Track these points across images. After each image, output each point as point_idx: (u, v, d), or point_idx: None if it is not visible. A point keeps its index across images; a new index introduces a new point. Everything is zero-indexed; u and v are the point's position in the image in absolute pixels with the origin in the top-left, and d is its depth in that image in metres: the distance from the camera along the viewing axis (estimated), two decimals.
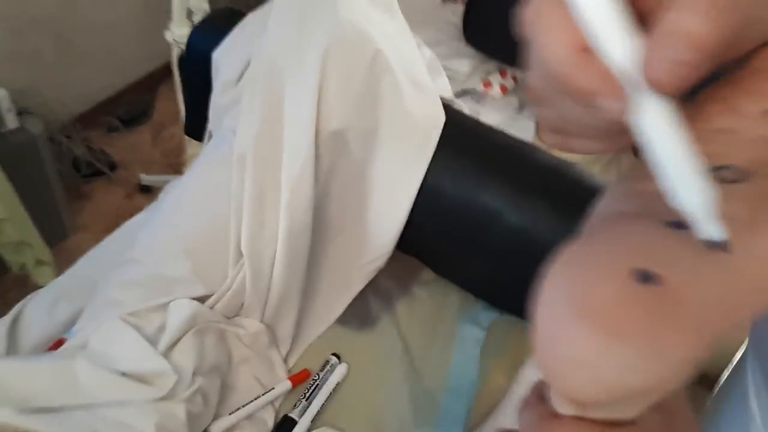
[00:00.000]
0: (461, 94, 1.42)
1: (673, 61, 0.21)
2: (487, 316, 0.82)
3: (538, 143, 1.35)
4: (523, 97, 1.46)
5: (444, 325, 0.81)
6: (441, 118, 0.78)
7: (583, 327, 0.22)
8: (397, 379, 0.75)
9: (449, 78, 1.39)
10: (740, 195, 0.25)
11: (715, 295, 0.23)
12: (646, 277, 0.23)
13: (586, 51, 0.22)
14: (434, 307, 0.83)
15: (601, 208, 0.29)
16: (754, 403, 0.49)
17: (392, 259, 0.82)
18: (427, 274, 0.86)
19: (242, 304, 0.73)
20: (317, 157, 0.71)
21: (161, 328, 0.67)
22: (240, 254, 0.71)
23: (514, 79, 1.46)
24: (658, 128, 0.22)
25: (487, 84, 1.42)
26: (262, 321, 0.74)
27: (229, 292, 0.71)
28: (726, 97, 0.26)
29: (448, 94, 0.85)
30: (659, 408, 0.26)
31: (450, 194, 0.78)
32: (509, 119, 1.39)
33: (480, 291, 0.84)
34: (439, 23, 1.48)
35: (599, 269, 0.23)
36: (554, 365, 0.23)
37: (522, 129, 1.37)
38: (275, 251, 0.72)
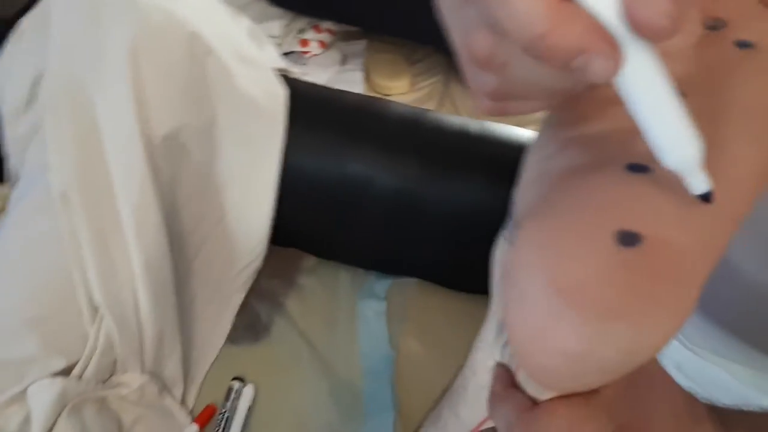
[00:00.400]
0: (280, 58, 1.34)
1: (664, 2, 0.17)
2: (382, 285, 0.78)
3: (365, 92, 1.32)
4: (345, 49, 1.41)
5: (341, 309, 0.77)
6: (282, 92, 0.71)
7: (574, 316, 0.19)
8: (311, 381, 0.70)
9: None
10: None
11: (699, 239, 0.21)
12: (629, 239, 0.21)
13: (565, 1, 0.17)
14: (326, 293, 0.78)
15: (542, 165, 0.26)
16: None
17: (269, 257, 0.75)
18: (310, 261, 0.81)
19: (115, 361, 0.63)
20: (154, 171, 0.62)
21: (26, 421, 0.55)
22: (95, 307, 0.60)
23: (330, 31, 1.40)
24: (646, 82, 0.19)
25: (305, 42, 1.34)
26: (143, 371, 0.65)
27: (96, 353, 0.60)
28: None
29: (280, 63, 0.78)
30: None
31: (314, 172, 0.72)
32: (336, 74, 1.34)
33: (368, 262, 0.80)
34: None
35: (579, 241, 0.20)
36: (545, 361, 0.20)
37: (350, 82, 1.33)
38: (136, 291, 0.62)
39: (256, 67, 0.69)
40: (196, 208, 0.69)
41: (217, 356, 0.72)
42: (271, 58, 0.76)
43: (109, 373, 0.63)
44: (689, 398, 0.30)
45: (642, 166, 0.23)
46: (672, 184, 0.22)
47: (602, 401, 0.25)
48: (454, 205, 0.70)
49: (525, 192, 0.26)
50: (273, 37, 1.31)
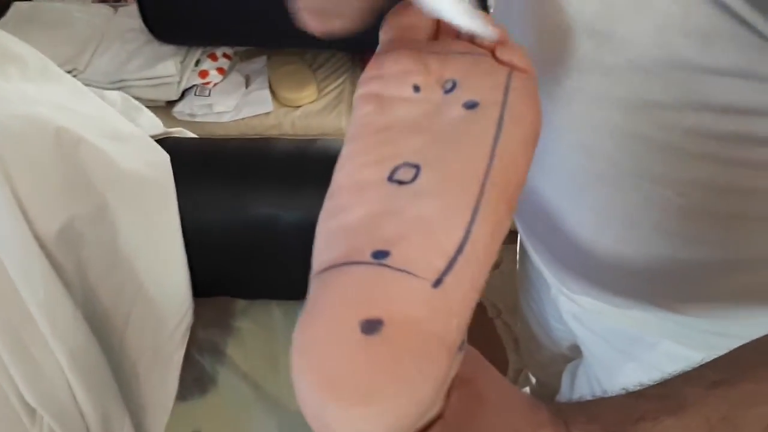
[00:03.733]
0: (184, 95, 1.37)
1: None
2: None
3: (275, 108, 1.35)
4: (247, 69, 1.44)
5: (280, 343, 0.82)
6: (163, 155, 0.75)
7: (336, 408, 0.23)
8: (260, 421, 0.75)
9: (164, 85, 1.34)
10: None
11: (437, 310, 0.26)
12: (371, 327, 0.25)
13: None
14: (263, 332, 0.83)
15: (314, 260, 0.30)
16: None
17: (200, 309, 0.80)
18: (241, 304, 0.86)
19: None
20: (56, 266, 0.66)
21: None
22: (32, 409, 0.65)
23: (226, 56, 1.43)
24: None
25: (204, 73, 1.38)
26: None
27: None
28: None
29: (158, 128, 0.81)
30: (455, 386, 0.29)
31: (219, 222, 0.77)
32: (242, 98, 1.38)
33: (295, 292, 0.85)
34: (120, 35, 1.39)
35: (330, 339, 0.25)
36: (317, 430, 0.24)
37: (258, 103, 1.37)
38: (68, 382, 0.66)
39: (132, 141, 0.73)
40: (111, 285, 0.74)
41: (170, 416, 0.77)
42: (148, 126, 0.79)
43: None
44: (531, 406, 0.33)
45: (383, 252, 0.27)
46: (411, 265, 0.26)
47: None
48: None
49: (311, 276, 0.31)
50: (169, 76, 1.34)
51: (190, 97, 1.37)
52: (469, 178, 0.29)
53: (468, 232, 0.27)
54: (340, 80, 1.42)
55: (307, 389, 0.24)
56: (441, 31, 0.37)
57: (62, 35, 1.34)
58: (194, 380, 0.81)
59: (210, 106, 1.36)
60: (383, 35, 0.37)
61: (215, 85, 1.39)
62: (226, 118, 1.36)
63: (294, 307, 0.85)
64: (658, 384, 0.34)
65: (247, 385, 0.79)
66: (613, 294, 0.53)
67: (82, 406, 0.68)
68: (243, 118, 1.37)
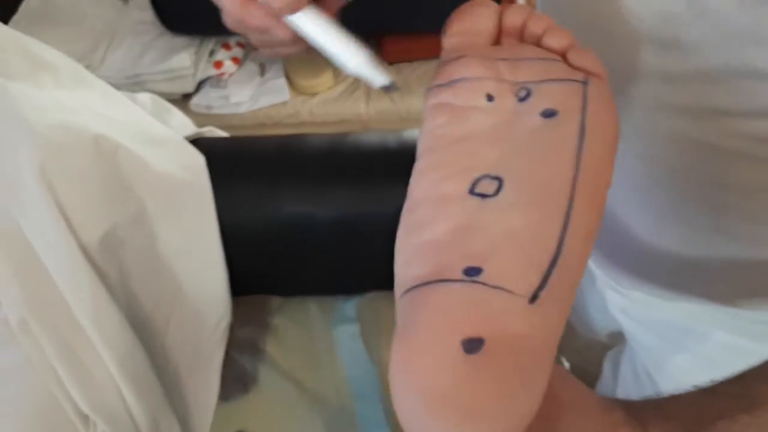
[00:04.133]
0: (200, 87, 1.37)
1: None
2: (351, 306, 0.84)
3: (292, 97, 1.35)
4: (261, 58, 1.43)
5: (318, 339, 0.82)
6: (199, 158, 0.75)
7: (441, 423, 0.24)
8: (305, 419, 0.76)
9: (179, 78, 1.34)
10: None
11: (535, 327, 0.26)
12: (473, 346, 0.25)
13: (249, 2, 0.34)
14: (300, 329, 0.84)
15: (399, 273, 0.30)
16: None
17: (237, 308, 0.81)
18: (277, 301, 0.86)
19: None
20: (100, 274, 0.66)
21: None
22: (85, 416, 0.66)
23: (240, 45, 1.42)
24: (311, 28, 0.35)
25: (218, 64, 1.37)
26: None
27: None
28: None
29: (190, 128, 0.81)
30: None
31: (254, 222, 0.78)
32: (258, 87, 1.37)
33: (331, 288, 0.86)
34: (132, 29, 1.38)
35: (432, 359, 0.25)
36: None
37: (275, 92, 1.36)
38: (119, 389, 0.67)
39: (167, 144, 0.73)
40: (152, 288, 0.74)
41: (214, 417, 0.78)
42: (180, 127, 0.79)
43: None
44: (605, 407, 0.33)
45: (476, 268, 0.28)
46: (505, 281, 0.27)
47: None
48: (390, 215, 0.75)
49: (396, 293, 0.31)
50: (184, 68, 1.33)
51: (206, 89, 1.36)
52: (557, 189, 0.29)
53: (560, 244, 0.28)
54: None
55: (413, 408, 0.25)
56: (503, 33, 0.37)
57: (75, 31, 1.33)
58: (235, 379, 0.81)
59: (226, 97, 1.36)
60: (446, 41, 0.37)
61: (231, 75, 1.39)
62: (243, 109, 1.36)
63: (330, 303, 0.85)
64: (729, 381, 0.35)
65: (288, 383, 0.79)
66: (667, 289, 0.53)
67: (132, 411, 0.69)
68: (260, 108, 1.37)
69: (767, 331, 0.50)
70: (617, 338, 0.72)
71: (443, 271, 0.28)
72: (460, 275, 0.27)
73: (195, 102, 1.35)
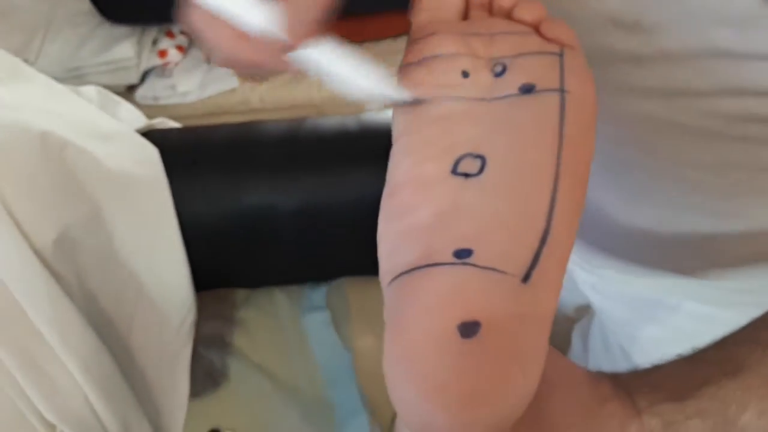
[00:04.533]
0: (145, 77, 1.32)
1: (296, 23, 0.29)
2: (319, 293, 0.83)
3: (240, 84, 1.32)
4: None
5: (288, 330, 0.81)
6: (152, 151, 0.73)
7: (443, 415, 0.23)
8: (281, 410, 0.75)
9: (122, 69, 1.29)
10: None
11: (528, 311, 0.26)
12: (469, 330, 0.24)
13: (243, 37, 0.30)
14: (268, 320, 0.83)
15: (385, 263, 0.29)
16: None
17: (202, 303, 0.79)
18: (242, 294, 0.85)
19: None
20: (57, 278, 0.64)
21: None
22: (51, 425, 0.64)
23: (184, 33, 1.38)
24: (327, 59, 0.31)
25: (162, 53, 1.33)
26: None
27: None
28: None
29: (141, 121, 0.78)
30: None
31: (213, 213, 0.76)
32: (205, 74, 1.33)
33: (296, 277, 0.84)
34: (69, 20, 1.33)
35: (429, 345, 0.25)
36: None
37: (223, 80, 1.33)
38: (85, 395, 0.65)
39: (117, 138, 0.70)
40: (112, 289, 0.72)
41: (187, 415, 0.77)
42: (130, 120, 0.77)
43: None
44: (593, 381, 0.33)
45: (466, 250, 0.27)
46: (497, 262, 0.26)
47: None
48: (354, 200, 0.75)
49: (382, 282, 0.30)
50: (127, 59, 1.28)
51: (151, 80, 1.32)
52: (542, 165, 0.28)
53: (549, 221, 0.27)
54: None
55: (412, 398, 0.24)
56: (471, 6, 0.36)
57: (5, 25, 1.27)
58: (205, 375, 0.80)
59: (173, 87, 1.31)
60: (415, 18, 0.35)
61: (176, 64, 1.34)
62: (191, 98, 1.32)
63: (297, 292, 0.84)
64: (712, 348, 0.35)
65: (260, 375, 0.78)
66: (639, 266, 0.54)
67: (101, 416, 0.67)
68: (209, 97, 1.33)
69: (738, 299, 0.51)
70: (584, 311, 0.73)
71: (432, 254, 0.27)
72: (450, 258, 0.26)
73: (140, 93, 1.30)
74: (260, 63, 0.31)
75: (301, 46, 0.30)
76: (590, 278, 0.61)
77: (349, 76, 0.31)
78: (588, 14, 0.38)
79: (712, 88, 0.37)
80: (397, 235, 0.29)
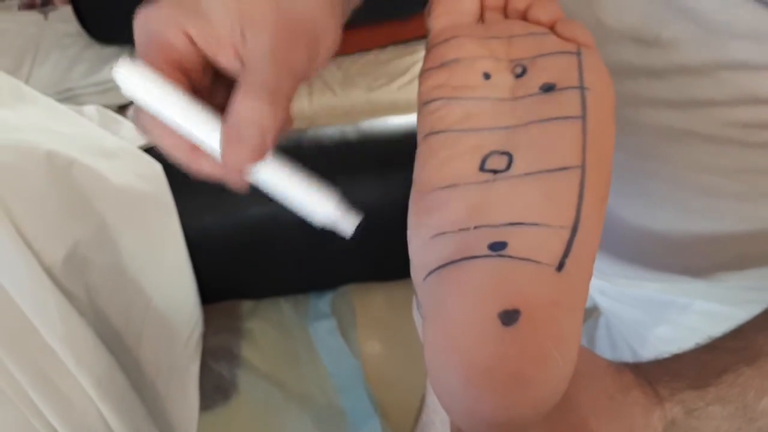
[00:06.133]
0: None
1: (245, 147, 0.30)
2: (325, 301, 0.85)
3: None
4: None
5: (295, 339, 0.83)
6: (156, 166, 0.74)
7: (490, 399, 0.25)
8: (292, 420, 0.76)
9: (112, 89, 1.30)
10: None
11: (565, 298, 0.27)
12: (509, 318, 0.26)
13: (195, 149, 0.31)
14: (275, 329, 0.84)
15: (418, 256, 0.31)
16: None
17: (208, 316, 0.80)
18: (248, 305, 0.86)
19: None
20: (67, 295, 0.65)
21: None
22: None
23: None
24: (271, 180, 0.32)
25: None
26: None
27: None
28: None
29: (142, 137, 0.80)
30: None
31: (219, 226, 0.77)
32: None
33: (301, 286, 0.86)
34: (57, 42, 1.34)
35: (472, 335, 0.26)
36: (466, 422, 0.26)
37: None
38: (99, 411, 0.66)
39: (121, 155, 0.71)
40: (121, 304, 0.73)
41: (198, 428, 0.77)
42: (131, 137, 0.78)
43: None
44: (616, 370, 0.34)
45: (500, 243, 0.28)
46: (531, 253, 0.27)
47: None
48: (356, 209, 0.76)
49: (415, 278, 0.31)
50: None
51: None
52: (568, 158, 0.29)
53: (578, 211, 0.28)
54: None
55: (457, 386, 0.25)
56: (486, 9, 0.37)
57: None
58: (215, 388, 0.81)
59: None
60: (432, 24, 0.37)
61: None
62: None
63: (303, 301, 0.86)
64: (729, 336, 0.36)
65: (270, 386, 0.79)
66: (649, 269, 0.55)
67: (115, 431, 0.67)
68: None
69: (748, 296, 0.52)
70: (590, 312, 0.74)
71: (468, 248, 0.28)
72: (486, 251, 0.28)
73: (132, 113, 1.31)
74: (216, 177, 0.32)
75: (251, 165, 0.30)
76: (599, 283, 0.63)
77: (294, 196, 0.33)
78: (607, 33, 0.40)
79: (729, 99, 0.39)
80: (429, 231, 0.30)
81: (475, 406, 0.25)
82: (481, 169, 0.30)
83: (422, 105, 0.34)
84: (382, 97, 1.35)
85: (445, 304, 0.27)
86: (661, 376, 0.34)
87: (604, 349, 0.72)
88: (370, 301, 0.83)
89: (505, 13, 0.36)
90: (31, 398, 0.63)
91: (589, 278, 0.29)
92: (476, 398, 0.25)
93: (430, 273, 0.29)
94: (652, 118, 0.43)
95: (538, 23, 0.34)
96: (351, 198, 0.75)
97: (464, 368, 0.25)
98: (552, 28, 0.34)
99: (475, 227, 0.29)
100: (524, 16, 0.35)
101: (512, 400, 0.25)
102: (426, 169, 0.32)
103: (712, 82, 0.39)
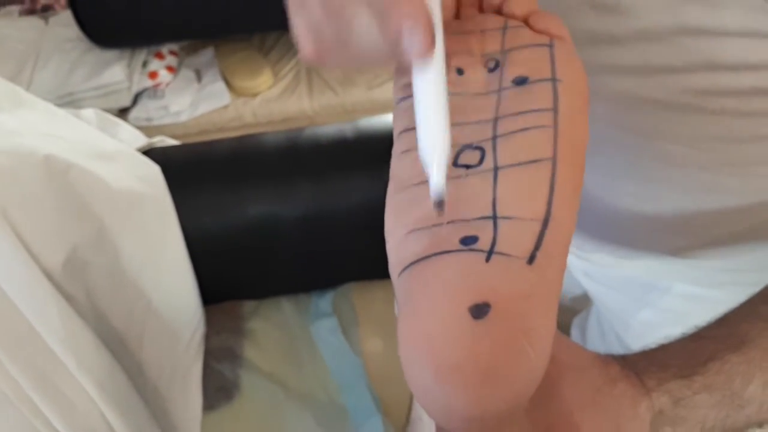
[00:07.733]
0: (137, 100, 1.34)
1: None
2: (326, 300, 0.85)
3: (232, 100, 1.34)
4: (195, 63, 1.42)
5: (297, 338, 0.83)
6: (154, 168, 0.74)
7: (461, 393, 0.25)
8: (295, 418, 0.77)
9: (114, 93, 1.31)
10: None
11: (537, 291, 0.27)
12: (480, 311, 0.26)
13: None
14: (277, 329, 0.84)
15: (394, 254, 0.31)
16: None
17: (210, 317, 0.81)
18: (249, 305, 0.86)
19: None
20: (68, 298, 0.65)
21: None
22: None
23: (173, 53, 1.40)
24: (426, 87, 0.28)
25: (153, 74, 1.35)
26: None
27: None
28: None
29: (141, 139, 0.80)
30: None
31: (219, 226, 0.78)
32: (197, 93, 1.35)
33: (302, 285, 0.86)
34: (58, 47, 1.35)
35: (443, 328, 0.26)
36: (440, 417, 0.26)
37: (215, 96, 1.35)
38: (102, 413, 0.66)
39: (119, 158, 0.72)
40: (121, 307, 0.73)
41: (203, 428, 0.78)
42: (130, 139, 0.78)
43: None
44: (602, 363, 0.34)
45: (472, 237, 0.28)
46: (502, 246, 0.28)
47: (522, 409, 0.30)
48: (355, 205, 0.77)
49: (392, 274, 0.32)
50: (118, 82, 1.30)
51: (143, 102, 1.34)
52: (539, 151, 0.30)
53: (549, 204, 0.28)
54: (294, 61, 1.41)
55: (428, 382, 0.25)
56: (462, 4, 0.37)
57: None
58: (218, 389, 0.81)
59: (165, 107, 1.34)
60: None
61: (167, 84, 1.36)
62: (184, 117, 1.34)
63: (304, 300, 0.86)
64: (715, 325, 0.37)
65: (273, 385, 0.80)
66: (627, 248, 0.55)
67: None
68: (201, 115, 1.35)
69: (726, 279, 0.53)
70: (582, 302, 0.74)
71: (440, 243, 0.28)
72: (457, 245, 0.28)
73: (134, 116, 1.32)
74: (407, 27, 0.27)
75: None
76: (583, 264, 0.63)
77: (431, 120, 0.29)
78: None
79: (687, 65, 0.39)
80: (404, 228, 0.30)
81: (447, 401, 0.25)
82: (455, 164, 0.31)
83: (396, 102, 0.34)
84: (383, 95, 1.35)
85: (416, 300, 0.27)
86: (647, 366, 0.34)
87: (594, 339, 0.72)
88: (371, 299, 0.84)
89: (481, 8, 0.36)
90: (34, 401, 0.63)
91: (562, 271, 0.29)
92: (448, 394, 0.25)
93: (404, 269, 0.29)
94: (613, 86, 0.43)
95: (512, 17, 0.34)
96: (350, 196, 0.77)
97: (435, 363, 0.25)
98: (526, 21, 0.34)
99: (448, 222, 0.29)
100: (499, 10, 0.35)
101: (484, 394, 0.25)
102: (401, 167, 0.32)
103: (670, 48, 0.38)
